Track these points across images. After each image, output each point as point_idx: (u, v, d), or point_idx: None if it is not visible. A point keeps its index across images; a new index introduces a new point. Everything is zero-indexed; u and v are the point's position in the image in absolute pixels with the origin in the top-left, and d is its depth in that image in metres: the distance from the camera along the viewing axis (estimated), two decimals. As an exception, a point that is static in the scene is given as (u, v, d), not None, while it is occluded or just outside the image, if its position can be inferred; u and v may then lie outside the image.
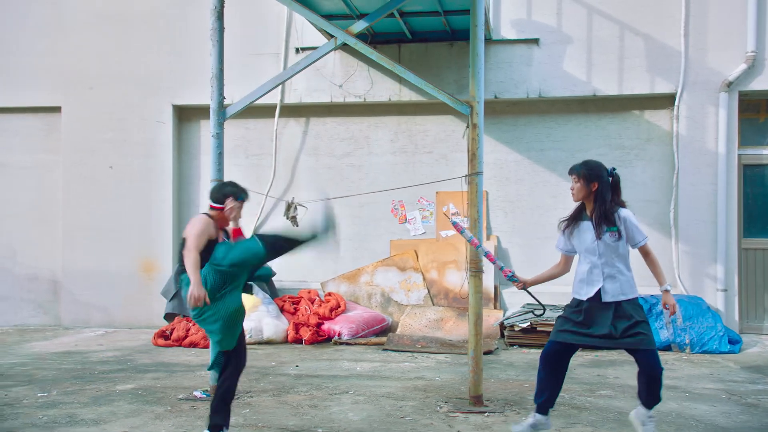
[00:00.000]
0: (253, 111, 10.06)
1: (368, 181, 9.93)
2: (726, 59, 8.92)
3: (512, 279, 4.56)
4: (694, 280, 8.97)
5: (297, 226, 7.34)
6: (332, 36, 5.92)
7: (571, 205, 4.57)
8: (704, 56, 8.99)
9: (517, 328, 8.39)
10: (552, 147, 9.51)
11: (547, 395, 4.43)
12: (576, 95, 9.29)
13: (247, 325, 8.57)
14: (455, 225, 4.83)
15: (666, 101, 9.23)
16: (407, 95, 9.61)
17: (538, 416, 4.46)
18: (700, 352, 8.00)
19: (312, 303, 9.20)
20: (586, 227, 4.30)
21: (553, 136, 9.52)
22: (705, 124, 9.00)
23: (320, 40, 9.65)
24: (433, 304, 9.40)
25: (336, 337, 8.63)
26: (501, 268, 4.69)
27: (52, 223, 10.36)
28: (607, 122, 9.46)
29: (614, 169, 4.38)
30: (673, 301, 4.30)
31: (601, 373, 6.80)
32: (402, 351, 8.12)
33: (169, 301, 9.31)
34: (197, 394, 5.76)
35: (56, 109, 10.33)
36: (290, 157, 10.07)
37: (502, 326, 8.79)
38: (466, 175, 5.70)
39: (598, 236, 4.22)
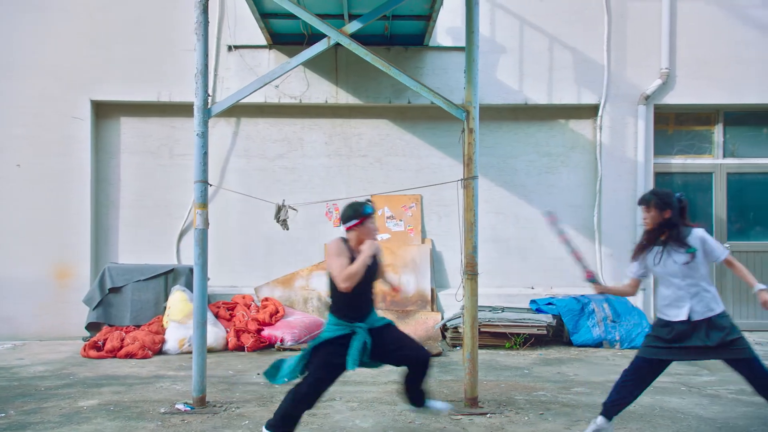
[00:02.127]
0: (179, 109, 9.67)
1: (302, 184, 9.77)
2: (644, 74, 9.60)
3: (591, 282, 4.71)
4: (617, 280, 9.53)
5: (287, 229, 7.10)
6: (326, 35, 5.76)
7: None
8: (624, 71, 9.63)
9: (460, 330, 8.56)
10: (484, 153, 9.77)
11: (618, 401, 4.51)
12: (508, 103, 9.64)
13: (186, 333, 8.22)
14: (550, 217, 5.11)
15: (590, 111, 9.79)
16: (344, 98, 9.56)
17: (600, 419, 4.56)
18: (629, 348, 8.51)
19: (249, 309, 8.91)
20: (667, 252, 4.40)
21: (485, 142, 9.80)
22: (625, 134, 9.64)
23: (254, 38, 9.41)
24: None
25: (279, 343, 8.41)
26: (584, 268, 4.77)
27: (-52, 226, 9.38)
28: (535, 130, 9.88)
29: (682, 194, 4.55)
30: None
31: (561, 371, 7.09)
32: (350, 355, 8.04)
33: (93, 309, 8.69)
34: (180, 407, 5.42)
35: (-46, 101, 9.38)
36: (219, 158, 9.70)
37: (443, 328, 8.95)
38: (461, 179, 5.74)
39: (674, 259, 4.35)
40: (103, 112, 9.64)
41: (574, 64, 9.63)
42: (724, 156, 9.92)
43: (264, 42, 9.43)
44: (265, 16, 8.47)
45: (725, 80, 9.58)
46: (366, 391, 6.11)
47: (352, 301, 4.39)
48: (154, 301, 8.79)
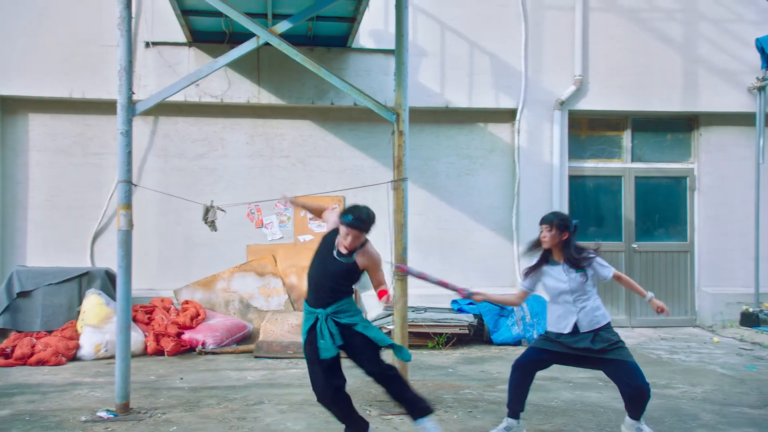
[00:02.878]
0: (93, 107, 9.32)
1: (223, 185, 9.60)
2: (559, 80, 9.96)
3: (469, 296, 4.93)
4: (533, 279, 9.86)
5: (215, 231, 6.92)
6: (254, 35, 5.69)
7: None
8: (541, 77, 9.96)
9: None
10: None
11: (517, 401, 4.80)
12: (430, 106, 9.79)
13: (102, 337, 7.93)
14: (399, 268, 5.28)
15: (508, 115, 10.07)
16: (266, 98, 9.45)
17: (511, 420, 4.81)
18: (547, 344, 8.81)
19: (168, 312, 8.67)
20: (557, 271, 4.74)
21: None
22: (541, 138, 9.97)
23: (171, 35, 9.17)
24: (294, 309, 9.31)
25: (200, 346, 8.22)
26: (454, 290, 4.96)
27: None
28: (456, 132, 10.08)
29: (577, 221, 4.90)
30: (661, 303, 4.79)
31: (484, 370, 7.26)
32: (274, 358, 7.97)
33: (0, 314, 8.24)
34: (103, 414, 5.22)
35: None
36: (136, 157, 9.36)
37: (366, 328, 8.98)
38: (392, 181, 5.79)
39: (568, 278, 4.67)
40: (10, 107, 9.16)
41: (493, 69, 9.88)
42: (632, 160, 10.42)
43: (183, 39, 9.20)
44: (185, 12, 8.27)
45: (633, 88, 10.07)
46: (294, 393, 6.06)
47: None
48: (67, 306, 8.42)
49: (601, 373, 6.95)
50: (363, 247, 4.49)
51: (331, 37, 9.23)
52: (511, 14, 9.93)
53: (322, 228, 9.74)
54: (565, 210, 9.95)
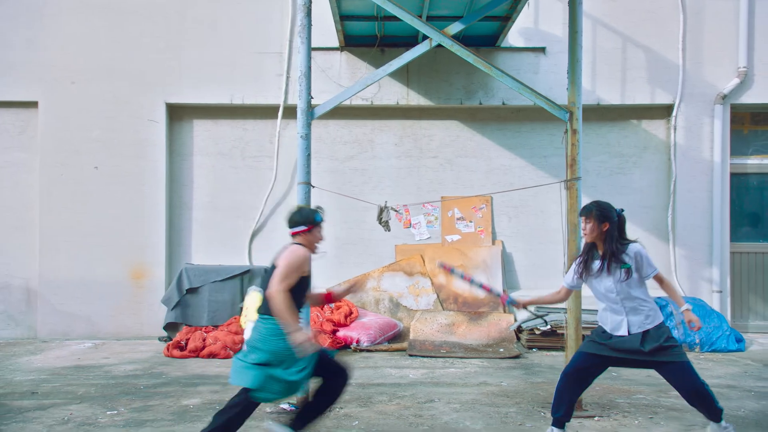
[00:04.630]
0: (251, 112, 9.76)
1: (372, 185, 9.79)
2: (720, 73, 9.45)
3: (512, 303, 4.77)
4: (692, 282, 9.42)
5: (389, 230, 7.11)
6: (427, 37, 5.78)
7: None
8: (700, 70, 9.48)
9: (537, 332, 8.52)
10: (554, 153, 9.72)
11: (564, 409, 4.53)
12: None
13: (265, 333, 8.26)
14: (443, 267, 5.11)
15: (663, 111, 9.67)
16: (415, 99, 9.56)
17: (556, 430, 4.56)
18: (710, 351, 8.39)
19: (322, 309, 8.96)
20: (603, 266, 4.39)
21: (555, 143, 9.72)
22: (701, 134, 9.49)
23: (326, 40, 9.42)
24: (443, 309, 9.37)
25: (355, 344, 8.44)
26: (498, 296, 4.89)
27: (27, 227, 9.55)
28: (606, 131, 9.78)
29: (622, 210, 4.53)
30: (695, 318, 4.40)
31: (650, 374, 6.91)
32: (428, 356, 8.03)
33: (171, 310, 8.81)
34: (286, 407, 5.47)
35: (32, 104, 9.56)
36: (291, 159, 9.73)
37: (518, 330, 8.90)
38: (565, 180, 5.71)
39: (611, 274, 4.34)
40: (177, 114, 9.77)
41: (647, 64, 9.51)
42: (801, 156, 9.74)
43: (334, 44, 9.46)
44: (343, 18, 8.49)
45: (805, 78, 9.40)
46: (462, 393, 6.09)
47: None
48: (231, 302, 8.88)
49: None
50: None
51: (480, 36, 9.20)
52: (667, 6, 9.52)
53: (469, 228, 9.75)
54: (727, 208, 9.44)
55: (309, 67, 5.68)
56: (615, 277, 4.31)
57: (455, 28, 5.91)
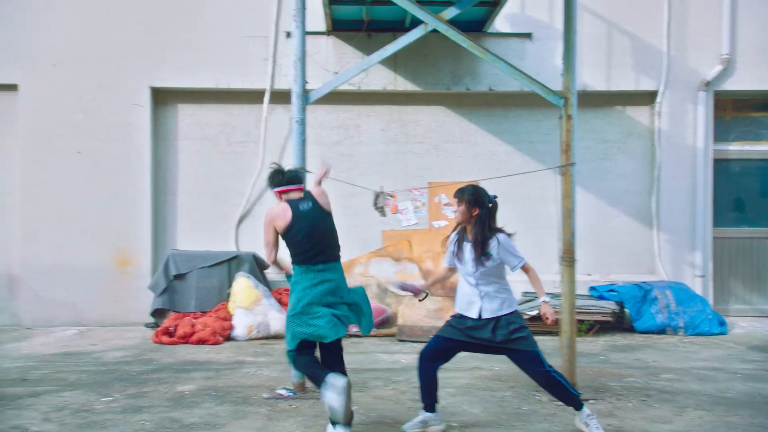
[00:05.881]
0: (237, 96, 9.66)
1: (358, 171, 9.75)
2: (704, 60, 9.55)
3: (408, 288, 4.95)
4: (675, 266, 9.55)
5: (384, 216, 7.09)
6: (422, 21, 5.75)
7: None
8: (684, 56, 9.58)
9: (525, 316, 8.60)
10: (541, 139, 9.77)
11: (428, 392, 4.60)
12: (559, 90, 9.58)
13: (254, 319, 8.27)
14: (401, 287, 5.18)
15: (647, 98, 9.76)
16: (402, 85, 9.54)
17: (428, 414, 4.63)
18: (693, 335, 8.53)
19: (310, 295, 8.93)
20: (468, 249, 4.46)
21: (542, 129, 9.78)
22: (684, 120, 9.60)
23: (312, 25, 9.31)
24: (431, 295, 9.40)
25: (344, 329, 8.43)
26: (413, 291, 4.95)
27: (8, 213, 9.39)
28: (591, 116, 9.84)
29: (495, 197, 4.58)
30: (551, 311, 4.43)
31: (638, 358, 7.11)
32: (418, 341, 8.08)
33: (158, 296, 8.73)
34: (282, 392, 5.47)
35: (12, 87, 9.35)
36: (277, 145, 9.68)
37: (505, 314, 8.96)
38: (560, 166, 5.74)
39: (476, 260, 4.38)
40: (162, 98, 9.63)
41: (632, 50, 9.58)
42: (782, 142, 9.91)
43: (321, 29, 9.40)
44: (330, 2, 8.42)
45: (786, 65, 9.54)
46: (455, 377, 6.13)
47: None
48: (218, 288, 8.82)
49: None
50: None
51: (466, 22, 9.16)
52: (652, -8, 9.60)
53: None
54: (710, 194, 9.58)
55: (304, 52, 5.67)
56: (476, 262, 4.36)
57: (450, 12, 5.90)
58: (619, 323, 8.86)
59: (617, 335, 8.47)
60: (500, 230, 4.48)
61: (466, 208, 4.44)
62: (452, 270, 4.75)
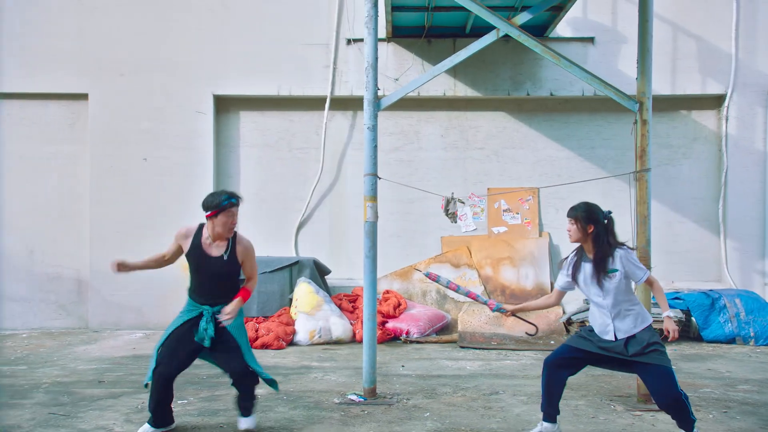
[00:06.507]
0: (297, 103, 9.77)
1: (418, 177, 9.76)
2: (774, 63, 9.32)
3: (499, 310, 4.71)
4: (743, 274, 9.31)
5: (455, 222, 7.12)
6: (492, 27, 5.74)
7: None
8: (754, 59, 9.34)
9: (587, 324, 8.46)
10: (602, 145, 9.65)
11: (553, 402, 4.43)
12: (630, 94, 9.42)
13: (315, 324, 8.32)
14: (428, 276, 5.12)
15: (713, 102, 9.54)
16: (461, 90, 9.52)
17: (546, 425, 4.46)
18: (765, 345, 8.28)
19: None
20: (589, 269, 4.29)
21: (602, 134, 9.65)
22: (754, 124, 9.36)
23: (372, 31, 9.39)
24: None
25: (404, 335, 8.45)
26: (485, 303, 4.82)
27: (77, 218, 9.68)
28: (655, 121, 9.64)
29: (610, 212, 4.39)
30: (673, 327, 4.23)
31: (710, 368, 6.93)
32: (480, 348, 8.03)
33: (221, 300, 8.85)
34: (353, 398, 5.49)
35: (82, 97, 9.65)
36: (336, 150, 9.77)
37: (567, 322, 8.86)
38: (634, 172, 5.65)
39: (599, 279, 4.22)
40: (224, 106, 9.81)
41: (698, 53, 9.39)
42: None
43: (381, 35, 9.43)
44: (393, 9, 8.46)
45: None
46: (526, 384, 6.08)
47: (197, 288, 4.97)
48: (279, 293, 8.92)
49: None
50: (236, 237, 4.73)
51: (530, 26, 9.09)
52: (719, -6, 9.39)
53: (516, 219, 9.71)
54: (777, 201, 9.32)
55: (376, 58, 5.68)
56: (602, 281, 4.21)
57: (523, 18, 5.86)
58: (685, 332, 8.65)
59: (684, 344, 8.27)
60: (621, 244, 4.31)
61: (580, 226, 4.29)
62: (562, 294, 4.59)
